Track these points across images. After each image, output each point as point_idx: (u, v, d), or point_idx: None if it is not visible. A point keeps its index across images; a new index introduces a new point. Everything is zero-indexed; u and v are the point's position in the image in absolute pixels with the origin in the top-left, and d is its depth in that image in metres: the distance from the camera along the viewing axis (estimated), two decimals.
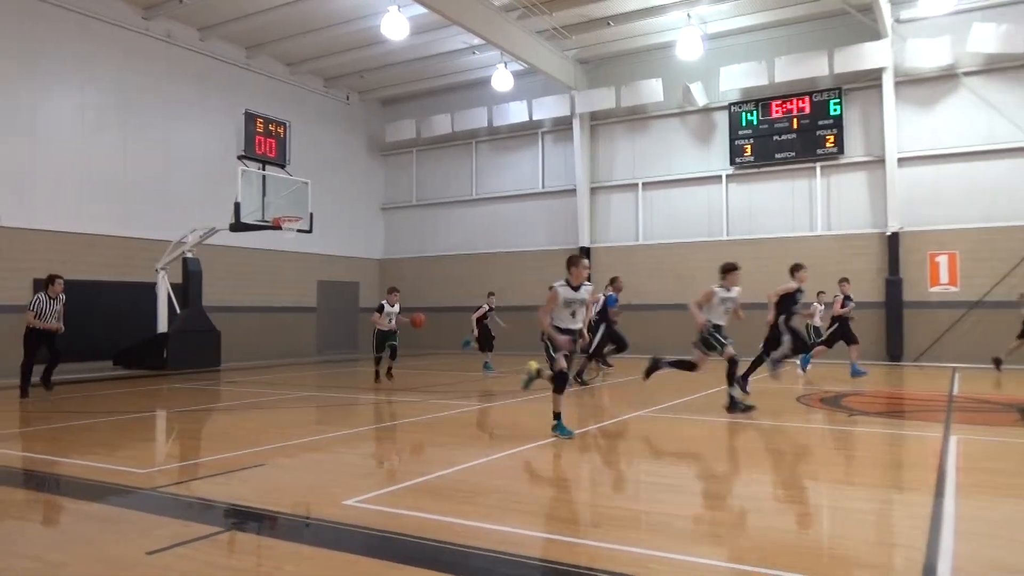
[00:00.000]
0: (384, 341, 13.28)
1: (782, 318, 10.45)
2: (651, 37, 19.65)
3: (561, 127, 21.91)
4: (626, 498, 5.47)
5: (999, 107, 16.54)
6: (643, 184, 20.85)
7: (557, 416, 7.51)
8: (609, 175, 21.46)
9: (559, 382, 7.48)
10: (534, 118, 21.93)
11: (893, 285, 17.14)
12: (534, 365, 8.31)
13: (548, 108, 21.56)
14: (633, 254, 20.72)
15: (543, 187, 22.44)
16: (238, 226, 15.59)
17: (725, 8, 18.08)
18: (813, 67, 17.89)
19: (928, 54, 16.85)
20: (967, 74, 16.95)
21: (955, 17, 16.58)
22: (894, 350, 17.08)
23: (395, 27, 16.82)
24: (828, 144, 18.18)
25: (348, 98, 23.99)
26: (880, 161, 17.55)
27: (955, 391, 11.46)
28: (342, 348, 22.98)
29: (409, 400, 11.11)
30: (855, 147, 18.09)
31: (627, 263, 20.54)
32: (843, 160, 18.17)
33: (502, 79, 20.41)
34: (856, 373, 13.34)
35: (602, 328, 12.52)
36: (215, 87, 19.41)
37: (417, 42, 19.47)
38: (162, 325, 16.24)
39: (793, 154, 18.63)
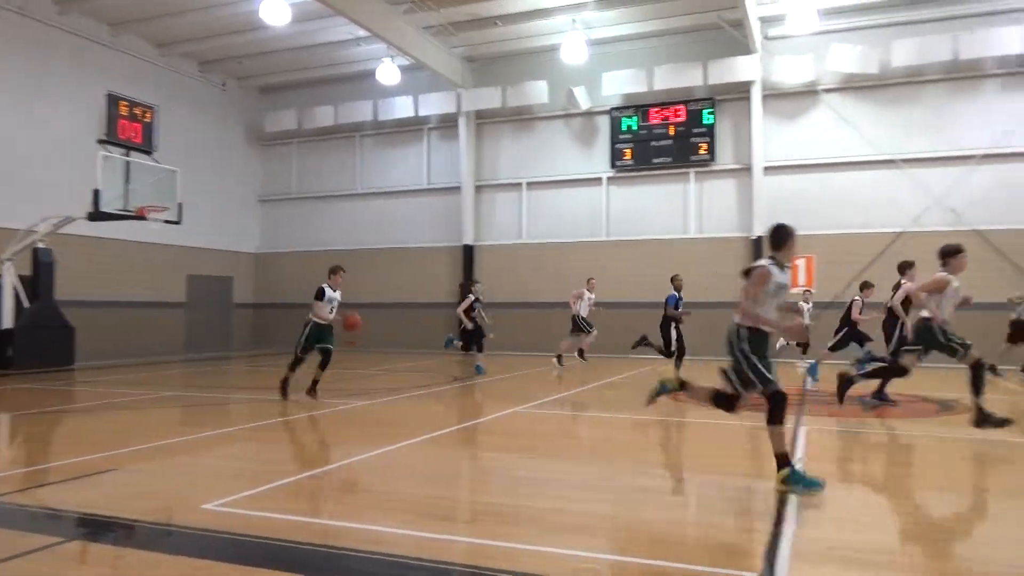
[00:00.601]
0: (319, 339, 10.02)
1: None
2: (537, 39, 19.94)
3: (447, 124, 21.86)
4: (501, 493, 5.51)
5: (854, 123, 17.89)
6: (527, 184, 21.13)
7: (785, 460, 5.17)
8: (494, 174, 21.61)
9: (775, 405, 5.34)
10: (420, 114, 21.77)
11: None
12: (669, 377, 6.16)
13: (434, 104, 21.46)
14: (516, 252, 20.97)
15: (429, 184, 22.31)
16: (97, 215, 14.56)
17: (609, 15, 18.60)
18: (689, 77, 18.73)
19: (793, 70, 18.00)
20: (827, 91, 18.23)
21: (817, 37, 17.77)
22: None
23: (275, 13, 16.22)
24: (701, 151, 19.09)
25: (224, 84, 22.94)
26: (748, 169, 18.60)
27: (808, 386, 12.30)
28: (213, 346, 21.95)
29: (281, 400, 10.75)
30: (726, 155, 19.07)
31: (510, 261, 20.82)
32: (715, 167, 19.13)
33: (388, 73, 20.12)
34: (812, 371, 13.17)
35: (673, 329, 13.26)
36: (74, 66, 18.04)
37: (299, 30, 18.87)
38: (7, 321, 14.92)
39: (670, 160, 19.43)
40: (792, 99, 18.52)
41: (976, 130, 16.91)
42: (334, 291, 10.19)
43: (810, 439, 7.45)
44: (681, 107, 19.31)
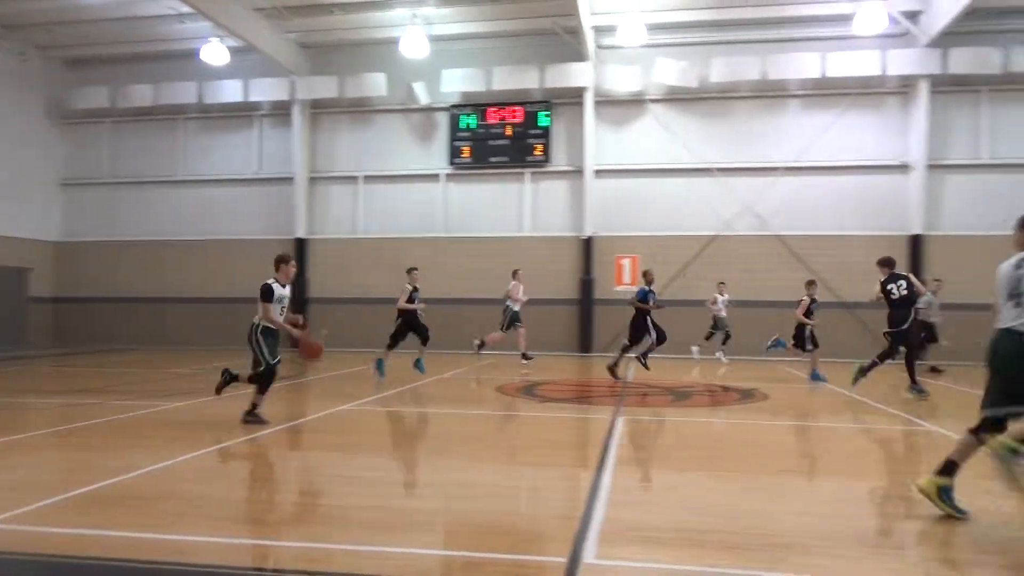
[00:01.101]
0: (276, 344, 7.95)
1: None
2: (377, 31, 19.62)
3: (281, 112, 20.97)
4: (321, 493, 5.36)
5: (676, 132, 19.11)
6: (365, 177, 20.74)
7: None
8: (330, 165, 21.01)
9: None
10: (251, 99, 20.73)
11: (586, 284, 19.04)
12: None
13: (266, 90, 20.52)
14: (351, 247, 20.53)
15: (259, 173, 21.30)
16: None
17: (449, 12, 18.65)
18: (526, 79, 19.19)
19: (622, 80, 18.94)
20: (653, 101, 19.34)
21: (645, 50, 18.80)
22: (585, 342, 18.95)
23: None
24: (537, 152, 19.63)
25: (24, 53, 20.63)
26: (580, 171, 19.36)
27: (629, 378, 13.00)
28: (5, 344, 19.68)
29: (83, 403, 9.85)
30: (560, 157, 19.73)
31: (344, 256, 20.36)
32: (549, 168, 19.73)
33: (215, 53, 18.98)
34: (816, 378, 12.93)
35: (648, 321, 12.77)
36: None
37: (114, 0, 17.35)
38: None
39: (507, 159, 19.81)
40: (622, 107, 19.48)
41: (780, 144, 18.64)
42: (283, 287, 7.93)
43: (625, 428, 7.86)
44: (519, 108, 19.74)
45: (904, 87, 18.10)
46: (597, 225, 19.19)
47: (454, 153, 20.10)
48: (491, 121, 19.90)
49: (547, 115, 19.63)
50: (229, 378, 8.02)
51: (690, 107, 19.22)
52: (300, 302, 20.31)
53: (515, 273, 15.34)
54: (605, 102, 19.45)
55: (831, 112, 18.47)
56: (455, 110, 20.08)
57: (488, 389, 11.08)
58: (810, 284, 13.16)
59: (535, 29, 19.31)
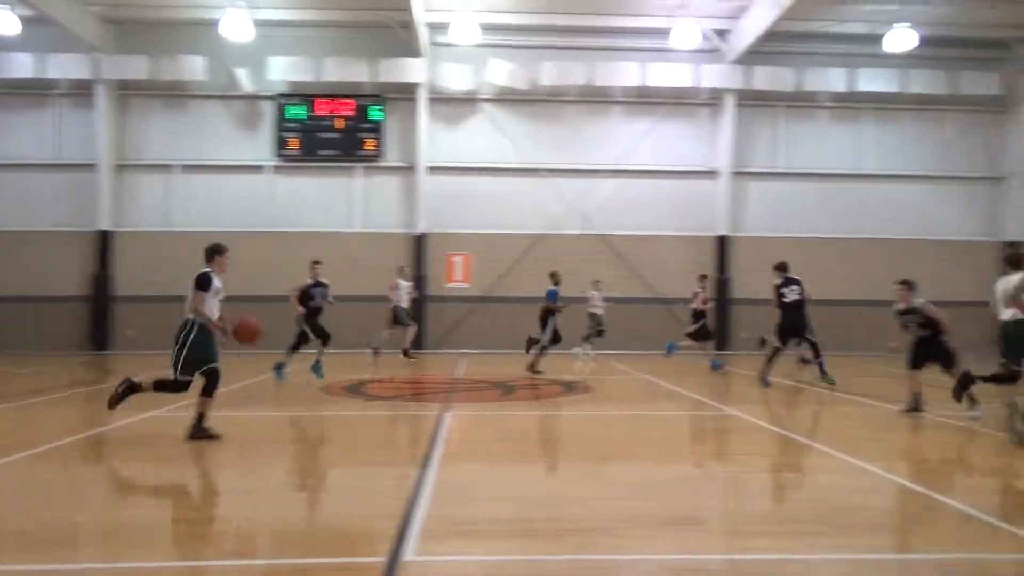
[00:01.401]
0: (205, 353, 6.76)
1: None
2: (195, 10, 18.35)
3: (82, 92, 19.02)
4: (104, 509, 4.89)
5: (508, 132, 19.48)
6: (182, 167, 19.33)
7: None
8: (140, 153, 19.38)
9: None
10: (47, 76, 18.64)
11: (419, 281, 18.90)
12: None
13: (65, 67, 18.53)
14: (164, 241, 18.98)
15: (57, 158, 19.21)
16: None
17: None
18: (359, 72, 18.74)
19: (456, 78, 19.01)
20: (485, 100, 19.58)
21: (478, 50, 18.97)
22: (418, 338, 18.79)
23: None
24: (369, 147, 19.25)
25: None
26: (412, 168, 19.22)
27: (460, 374, 13.09)
28: None
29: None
30: (393, 153, 19.48)
31: (156, 250, 18.74)
32: (382, 163, 19.43)
33: (3, 21, 16.86)
34: (717, 366, 13.78)
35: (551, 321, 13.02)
36: None
37: None
38: None
39: (337, 152, 19.27)
40: (455, 105, 19.57)
41: (604, 148, 19.56)
42: (219, 280, 6.95)
43: (452, 424, 7.88)
44: (350, 101, 19.26)
45: (714, 99, 19.61)
46: (430, 222, 19.16)
47: (281, 144, 19.24)
48: (320, 113, 19.26)
49: (380, 109, 19.31)
50: (128, 389, 6.85)
51: (521, 108, 19.67)
52: (102, 300, 18.62)
53: (401, 270, 15.61)
54: (439, 99, 19.44)
55: (650, 119, 19.63)
56: (282, 99, 19.23)
57: (313, 389, 10.70)
58: (702, 278, 14.08)
59: (368, 21, 18.91)
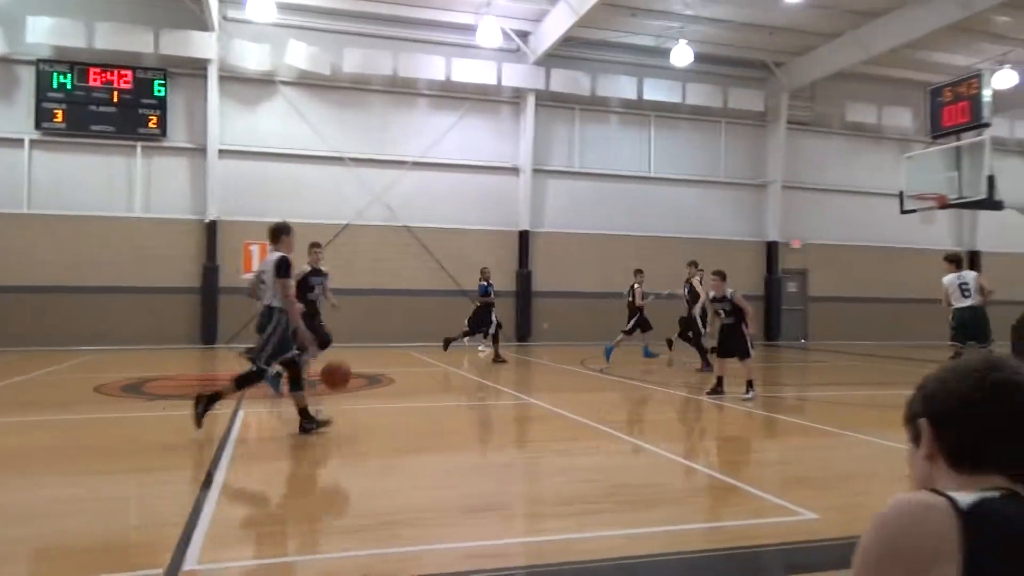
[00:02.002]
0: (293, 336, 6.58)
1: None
2: None
3: None
4: None
5: (308, 118, 18.71)
6: None
7: None
8: None
9: None
10: None
11: (210, 271, 17.66)
12: None
13: None
14: None
15: None
16: None
17: None
18: (138, 42, 17.04)
19: (252, 57, 17.89)
20: (284, 83, 18.65)
21: (277, 29, 18.03)
22: (208, 333, 17.61)
23: None
24: (151, 125, 17.60)
25: None
26: (203, 150, 17.86)
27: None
28: None
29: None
30: (179, 132, 17.97)
31: None
32: (166, 143, 17.85)
33: None
34: (648, 355, 14.20)
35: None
36: None
37: None
38: None
39: (113, 128, 17.40)
40: (251, 85, 18.44)
41: (410, 139, 19.41)
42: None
43: (246, 423, 7.44)
44: (128, 72, 17.48)
45: (516, 98, 20.18)
46: (222, 209, 17.92)
47: (43, 115, 17.02)
48: (93, 83, 17.29)
49: (163, 84, 17.70)
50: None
51: (323, 94, 18.98)
52: None
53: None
54: (232, 78, 18.21)
55: (455, 113, 19.79)
56: (44, 65, 17.02)
57: (85, 389, 9.62)
58: (638, 272, 14.47)
59: None
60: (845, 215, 23.10)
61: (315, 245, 9.42)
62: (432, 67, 18.98)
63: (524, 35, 19.55)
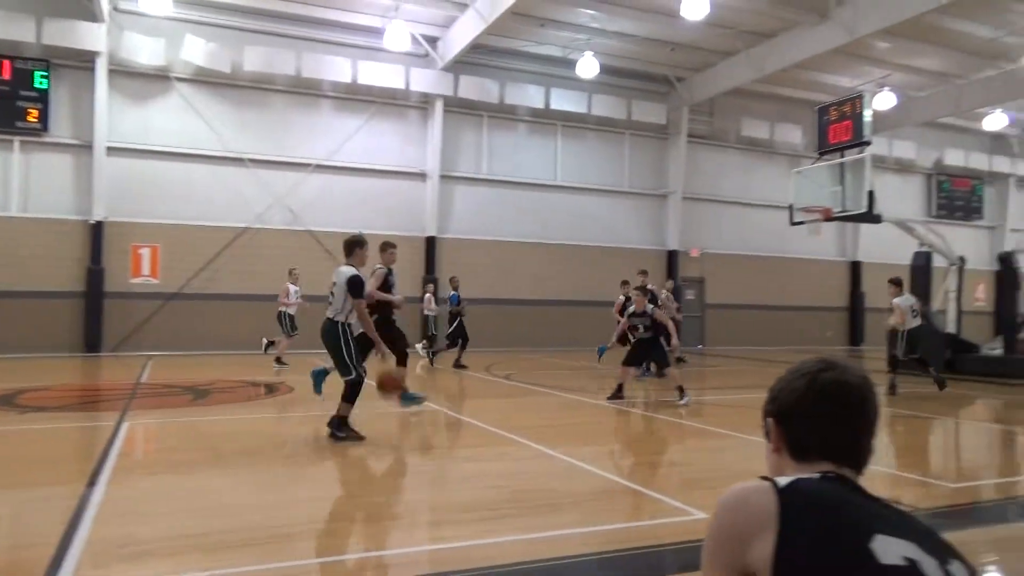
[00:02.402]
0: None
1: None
2: None
3: None
4: None
5: (205, 116, 17.96)
6: None
7: None
8: None
9: None
10: None
11: (95, 274, 16.68)
12: None
13: None
14: None
15: None
16: None
17: None
18: (18, 30, 15.93)
19: (145, 51, 17.02)
20: (179, 79, 17.84)
21: (173, 24, 17.25)
22: (92, 340, 16.59)
23: None
24: (30, 118, 16.43)
25: None
26: (89, 147, 16.83)
27: (144, 378, 11.78)
28: None
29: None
30: (62, 127, 16.88)
31: None
32: (48, 139, 16.73)
33: None
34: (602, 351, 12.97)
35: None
36: None
37: None
38: None
39: None
40: (144, 81, 17.56)
41: (313, 141, 18.94)
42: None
43: (130, 435, 7.03)
44: (6, 62, 16.31)
45: (423, 103, 20.05)
46: (109, 209, 16.93)
47: None
48: None
49: (45, 76, 16.58)
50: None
51: (222, 92, 18.27)
52: None
53: (290, 272, 14.35)
54: (123, 72, 17.27)
55: (361, 116, 19.46)
56: None
57: None
58: (625, 284, 14.28)
59: None
60: (740, 226, 24.15)
61: (389, 245, 8.79)
62: (337, 69, 18.62)
63: (433, 40, 19.46)
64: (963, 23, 17.77)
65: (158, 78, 17.61)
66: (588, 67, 19.30)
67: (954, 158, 27.08)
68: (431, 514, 4.71)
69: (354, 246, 6.82)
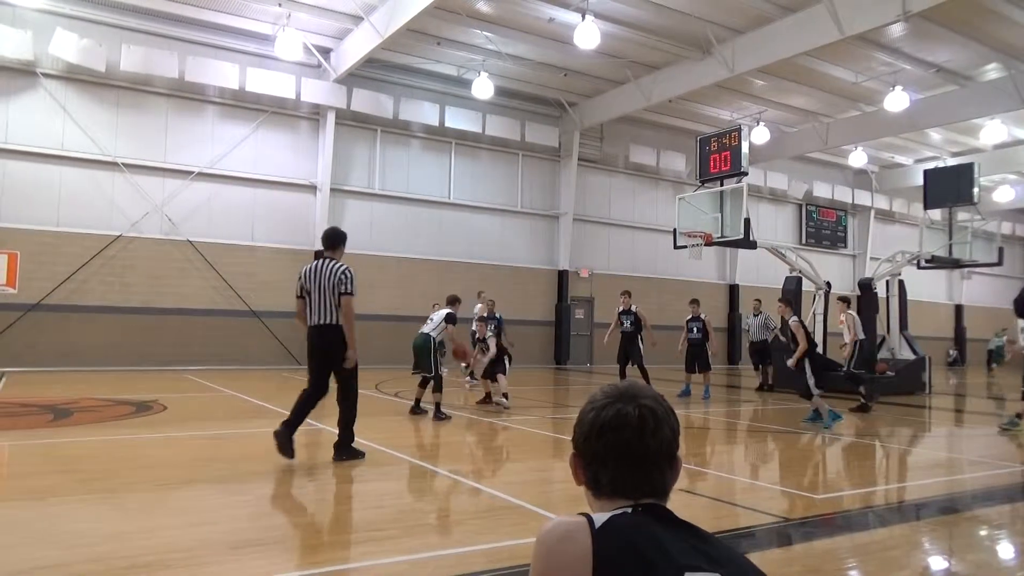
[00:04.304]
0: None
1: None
2: None
3: None
4: None
5: (75, 116, 16.83)
6: None
7: None
8: None
9: None
10: None
11: None
12: None
13: None
14: None
15: None
16: None
17: None
18: None
19: (8, 43, 15.78)
20: (47, 75, 16.66)
21: (43, 15, 16.17)
22: None
23: None
24: None
25: None
26: None
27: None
28: None
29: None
30: None
31: None
32: None
33: None
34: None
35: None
36: None
37: None
38: None
39: None
40: (7, 76, 16.28)
41: (196, 148, 18.11)
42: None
43: None
44: None
45: (315, 114, 19.61)
46: None
47: None
48: None
49: None
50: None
51: (97, 92, 17.19)
52: None
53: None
54: None
55: (248, 125, 18.80)
56: None
57: None
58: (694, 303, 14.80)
59: None
60: (628, 248, 24.95)
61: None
62: (224, 74, 17.92)
63: (326, 51, 19.10)
64: (830, 67, 19.18)
65: (22, 72, 16.39)
66: (483, 88, 19.48)
67: (822, 190, 29.10)
68: (310, 537, 4.52)
69: (455, 302, 10.10)
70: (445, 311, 10.07)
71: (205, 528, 4.40)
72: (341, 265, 6.62)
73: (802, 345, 9.91)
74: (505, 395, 11.05)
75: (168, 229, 17.66)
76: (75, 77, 16.87)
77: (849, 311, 12.45)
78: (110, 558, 3.78)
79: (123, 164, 17.21)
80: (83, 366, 15.96)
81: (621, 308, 13.69)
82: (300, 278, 6.62)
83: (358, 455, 6.65)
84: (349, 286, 6.51)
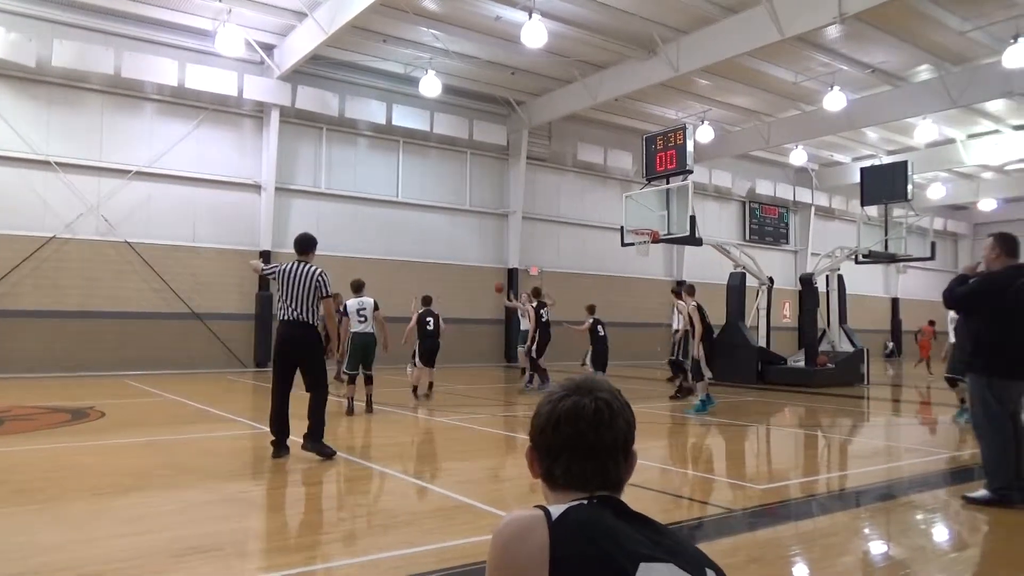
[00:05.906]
0: None
1: None
2: None
3: None
4: None
5: (7, 114, 16.12)
6: None
7: None
8: None
9: None
10: None
11: None
12: None
13: None
14: None
15: None
16: None
17: None
18: None
19: None
20: None
21: None
22: None
23: None
24: None
25: None
26: None
27: None
28: None
29: None
30: None
31: None
32: None
33: None
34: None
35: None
36: None
37: None
38: None
39: None
40: None
41: (133, 147, 17.53)
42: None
43: None
44: None
45: (258, 112, 19.19)
46: None
47: None
48: None
49: None
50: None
51: (27, 88, 16.48)
52: None
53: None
54: None
55: (189, 123, 18.30)
56: None
57: None
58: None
59: None
60: (577, 245, 25.12)
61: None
62: (162, 71, 17.39)
63: (269, 48, 18.71)
64: (771, 67, 19.63)
65: None
66: (430, 86, 19.36)
67: (764, 188, 29.78)
68: (256, 543, 4.43)
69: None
70: (370, 300, 10.69)
71: (147, 536, 4.27)
72: (316, 268, 7.07)
73: (698, 329, 10.49)
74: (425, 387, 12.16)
75: (105, 230, 17.07)
76: (3, 73, 16.16)
77: (680, 302, 12.51)
78: (49, 570, 3.64)
79: (56, 163, 16.56)
80: (15, 373, 15.33)
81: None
82: (276, 276, 7.11)
83: (329, 453, 6.69)
84: (326, 289, 7.00)
